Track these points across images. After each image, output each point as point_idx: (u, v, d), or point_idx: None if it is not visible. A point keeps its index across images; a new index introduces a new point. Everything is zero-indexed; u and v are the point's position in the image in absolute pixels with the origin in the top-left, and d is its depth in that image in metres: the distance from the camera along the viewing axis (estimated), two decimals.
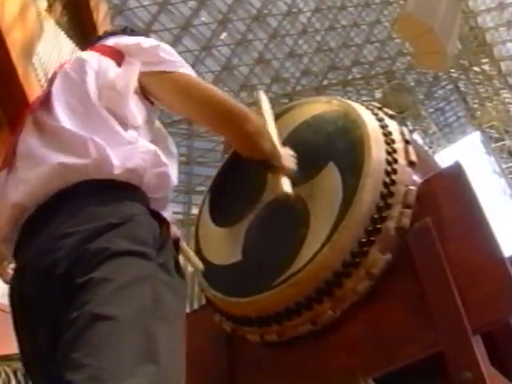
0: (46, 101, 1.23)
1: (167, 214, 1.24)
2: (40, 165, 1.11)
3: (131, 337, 0.91)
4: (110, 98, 1.20)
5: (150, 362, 0.89)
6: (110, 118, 1.17)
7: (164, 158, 1.18)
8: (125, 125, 1.19)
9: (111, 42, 1.38)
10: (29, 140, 1.19)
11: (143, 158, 1.14)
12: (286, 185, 1.45)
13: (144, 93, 1.29)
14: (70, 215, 1.05)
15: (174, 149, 1.36)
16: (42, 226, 1.07)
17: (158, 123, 1.36)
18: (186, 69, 1.31)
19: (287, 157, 1.51)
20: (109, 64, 1.27)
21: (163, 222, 1.13)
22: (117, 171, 1.09)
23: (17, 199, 1.12)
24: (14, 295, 1.12)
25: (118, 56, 1.30)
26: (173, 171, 1.23)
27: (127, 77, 1.25)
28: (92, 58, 1.29)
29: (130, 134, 1.17)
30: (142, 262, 1.01)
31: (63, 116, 1.17)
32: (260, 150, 1.42)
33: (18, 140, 1.21)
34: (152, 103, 1.32)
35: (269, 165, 1.47)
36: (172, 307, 1.01)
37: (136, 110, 1.23)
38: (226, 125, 1.37)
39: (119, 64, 1.28)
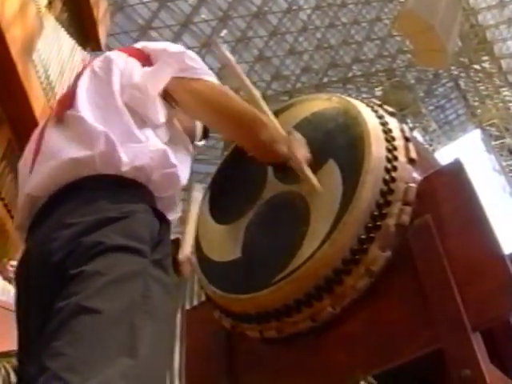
0: (71, 95, 1.26)
1: (174, 216, 1.26)
2: (53, 159, 1.15)
3: (114, 331, 0.91)
4: (133, 96, 1.23)
5: (128, 356, 0.89)
6: (127, 116, 1.19)
7: (173, 159, 1.20)
8: (144, 123, 1.22)
9: (140, 45, 1.42)
10: (48, 131, 1.24)
11: (152, 157, 1.16)
12: (315, 180, 1.46)
13: (166, 96, 1.31)
14: (74, 207, 1.08)
15: (191, 148, 1.40)
16: (48, 215, 1.11)
17: (179, 126, 1.39)
18: (209, 76, 1.34)
19: (299, 145, 1.49)
20: (134, 64, 1.31)
21: (164, 221, 1.14)
22: (124, 168, 1.11)
23: (29, 190, 1.17)
24: (20, 280, 1.15)
25: (145, 58, 1.34)
26: (183, 171, 1.26)
27: (159, 76, 1.28)
28: (119, 57, 1.33)
29: (145, 133, 1.19)
30: (136, 258, 1.01)
31: (84, 108, 1.20)
32: (276, 156, 1.45)
33: (44, 133, 1.25)
34: (173, 107, 1.35)
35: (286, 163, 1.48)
36: (162, 305, 1.01)
37: (159, 109, 1.26)
38: (241, 134, 1.42)
39: (144, 65, 1.32)
